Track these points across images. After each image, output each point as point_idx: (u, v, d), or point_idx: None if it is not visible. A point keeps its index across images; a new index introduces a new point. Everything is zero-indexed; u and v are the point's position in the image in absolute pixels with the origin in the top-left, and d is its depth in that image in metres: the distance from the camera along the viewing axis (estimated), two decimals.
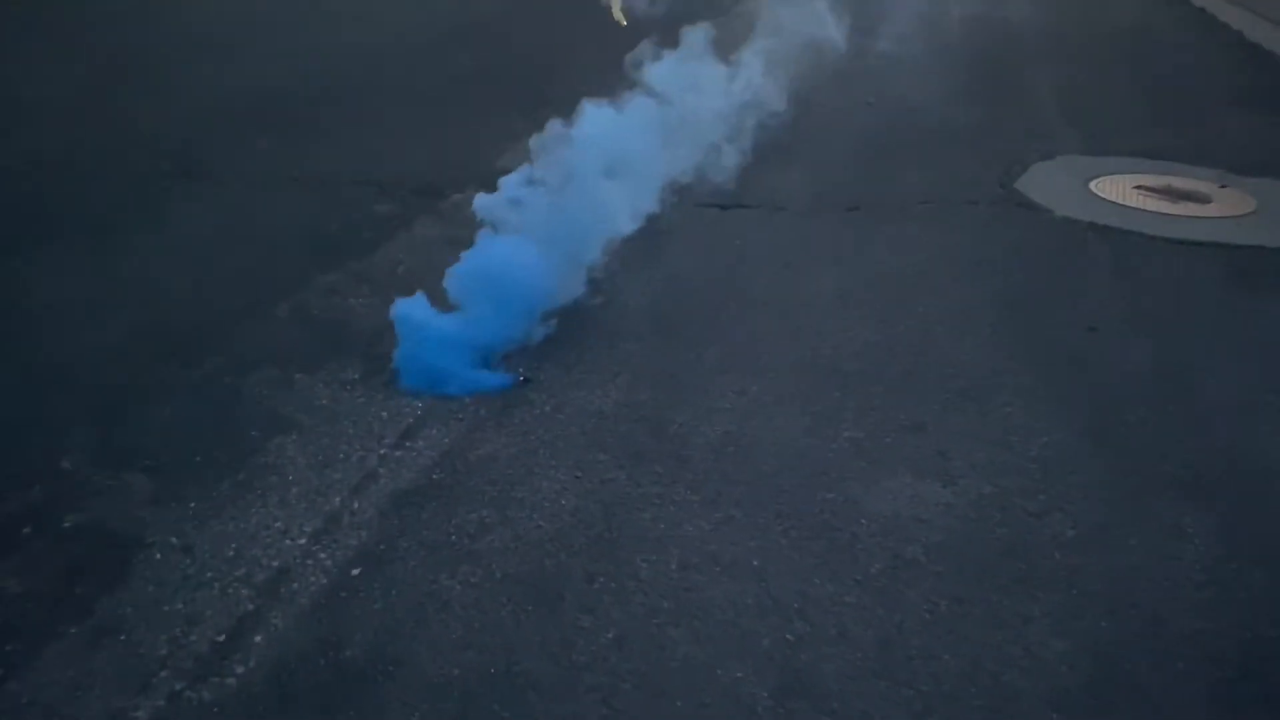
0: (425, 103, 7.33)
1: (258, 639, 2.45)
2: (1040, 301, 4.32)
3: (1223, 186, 5.65)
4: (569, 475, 3.08)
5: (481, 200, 4.21)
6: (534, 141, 4.37)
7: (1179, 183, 5.69)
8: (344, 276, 4.45)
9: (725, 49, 5.20)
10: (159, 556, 2.73)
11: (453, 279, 3.84)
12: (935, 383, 3.65)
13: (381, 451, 3.20)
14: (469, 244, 4.13)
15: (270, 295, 4.27)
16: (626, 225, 4.48)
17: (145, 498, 2.98)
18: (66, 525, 2.86)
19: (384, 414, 3.41)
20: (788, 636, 2.46)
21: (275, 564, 2.70)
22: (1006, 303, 4.30)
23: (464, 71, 8.18)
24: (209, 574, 2.66)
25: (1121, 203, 5.38)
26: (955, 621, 2.53)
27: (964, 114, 6.93)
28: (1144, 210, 5.27)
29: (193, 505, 2.94)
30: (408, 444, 3.24)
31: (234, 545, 2.76)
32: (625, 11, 8.62)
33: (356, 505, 2.94)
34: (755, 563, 2.71)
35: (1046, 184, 5.69)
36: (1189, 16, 10.61)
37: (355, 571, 2.68)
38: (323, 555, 2.73)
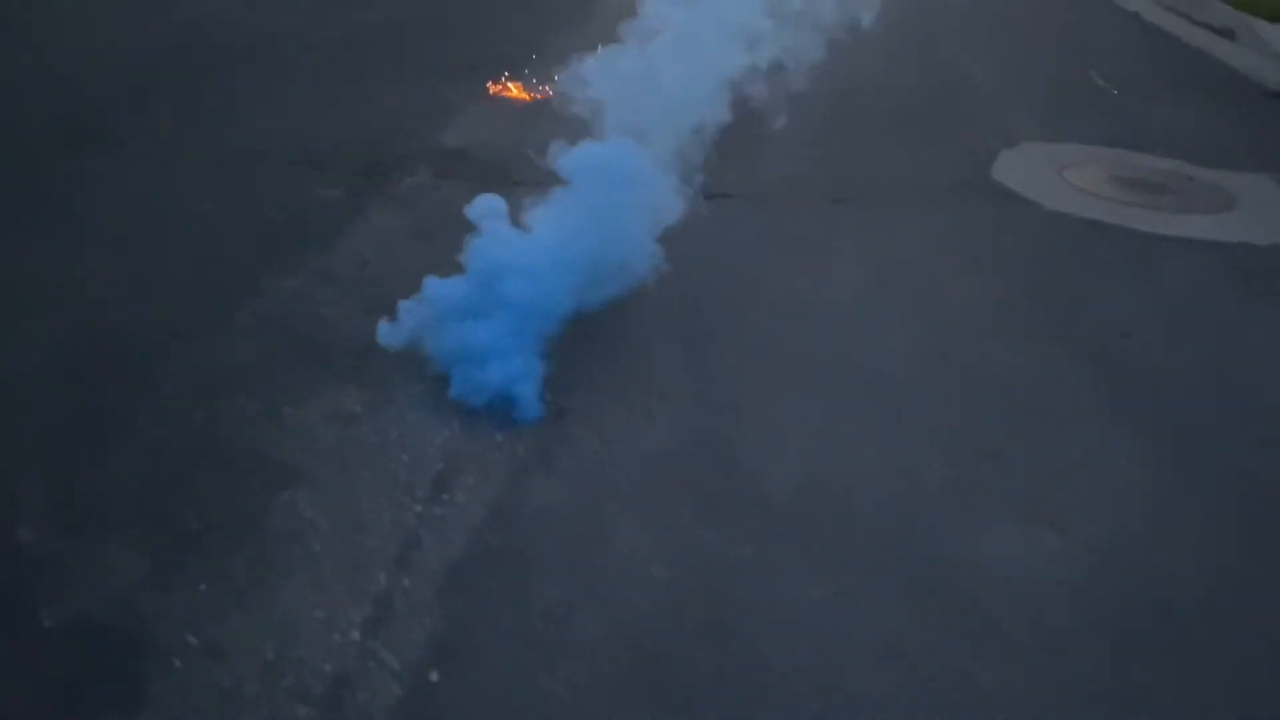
0: (341, 62, 6.61)
1: None
2: (1063, 304, 4.13)
3: (1189, 179, 5.60)
4: (648, 534, 2.66)
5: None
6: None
7: (1147, 174, 5.61)
8: (305, 277, 3.85)
9: None
10: (179, 664, 2.18)
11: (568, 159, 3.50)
12: (993, 398, 3.41)
13: (417, 509, 2.70)
14: (436, 239, 3.71)
15: (221, 299, 3.66)
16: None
17: (138, 578, 2.41)
18: (46, 625, 2.27)
19: (404, 457, 2.90)
20: None
21: (329, 668, 2.20)
22: (1029, 305, 4.09)
23: (375, 21, 7.47)
24: (251, 688, 2.14)
25: (1107, 196, 5.24)
26: (1127, 697, 2.26)
27: (914, 98, 6.69)
28: (1131, 205, 5.15)
29: (202, 588, 2.39)
30: (445, 497, 2.75)
31: (271, 645, 2.24)
32: None
33: (407, 583, 2.45)
34: (893, 644, 2.37)
35: (1020, 173, 5.51)
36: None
37: (434, 676, 2.20)
38: (386, 654, 2.24)
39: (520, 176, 4.95)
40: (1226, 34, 9.99)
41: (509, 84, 6.30)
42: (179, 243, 4.09)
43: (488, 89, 6.22)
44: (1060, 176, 5.48)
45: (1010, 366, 3.60)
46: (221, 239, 4.15)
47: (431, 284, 3.32)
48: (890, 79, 6.95)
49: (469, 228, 3.46)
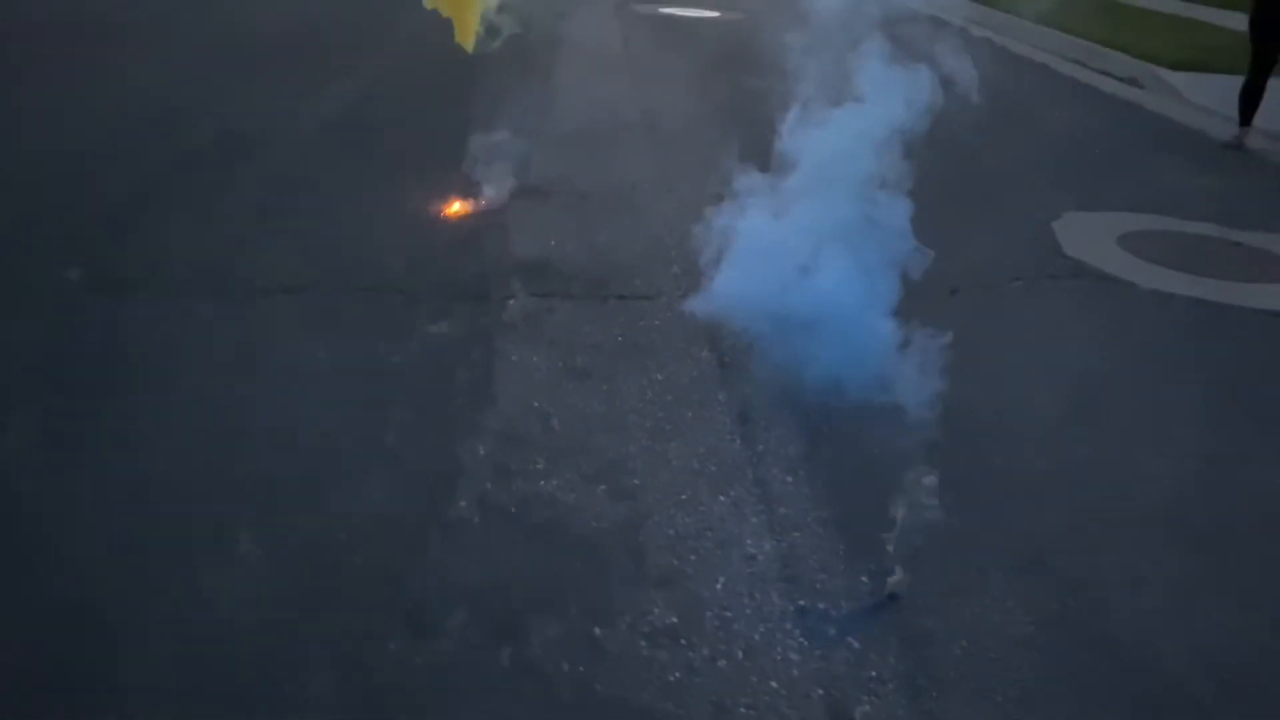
0: (341, 162, 6.05)
1: None
2: (1210, 403, 4.00)
3: (1237, 244, 5.76)
4: None
5: None
6: None
7: (1196, 241, 5.75)
8: (492, 443, 3.34)
9: None
10: None
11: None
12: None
13: None
14: (593, 376, 3.53)
15: (410, 476, 3.13)
16: None
17: None
18: None
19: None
20: None
21: None
22: (1176, 408, 3.92)
23: (350, 101, 6.89)
24: None
25: (1181, 267, 5.30)
26: None
27: (945, 177, 6.63)
28: (1211, 277, 5.22)
29: None
30: None
31: None
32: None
33: None
34: None
35: (1089, 248, 5.52)
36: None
37: None
38: None
39: (625, 289, 4.60)
40: (1132, 82, 10.55)
41: (528, 182, 5.85)
42: (304, 402, 3.51)
43: (513, 184, 5.75)
44: (1125, 249, 5.51)
45: (1183, 497, 3.30)
46: (351, 394, 3.59)
47: None
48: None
49: (617, 356, 3.10)
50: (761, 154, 4.49)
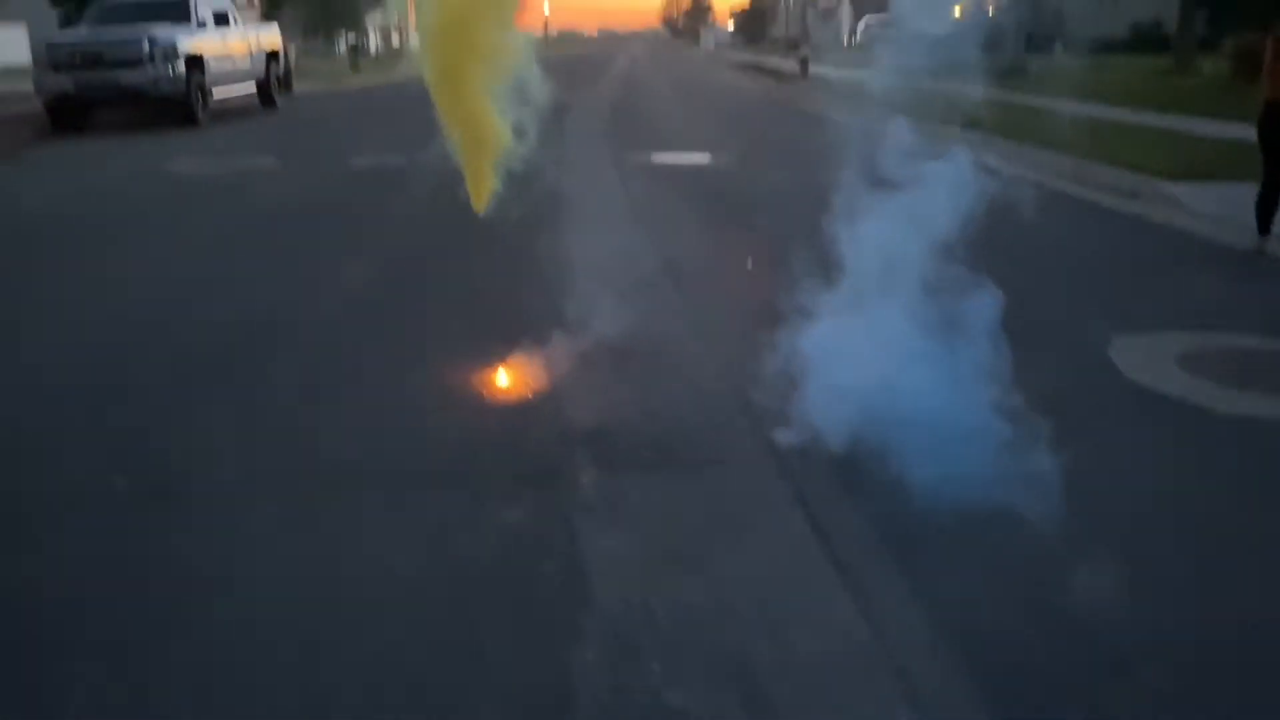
0: (364, 344, 5.89)
1: None
2: None
3: None
4: None
5: None
6: None
7: (1256, 358, 5.61)
8: (600, 649, 3.06)
9: None
10: None
11: None
12: None
13: None
14: (700, 560, 3.30)
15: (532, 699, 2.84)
16: None
17: None
18: None
19: None
20: None
21: None
22: None
23: (368, 279, 6.78)
24: None
25: (1255, 388, 5.13)
26: None
27: None
28: None
29: None
30: None
31: None
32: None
33: None
34: None
35: (1151, 372, 5.37)
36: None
37: None
38: None
39: (695, 454, 4.39)
40: (1131, 196, 10.64)
41: (566, 346, 5.69)
42: (384, 618, 3.22)
43: (550, 349, 5.58)
44: (1187, 371, 5.36)
45: None
46: (433, 604, 3.31)
47: None
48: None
49: (705, 533, 2.88)
50: (795, 294, 4.40)
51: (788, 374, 4.49)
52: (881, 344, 4.29)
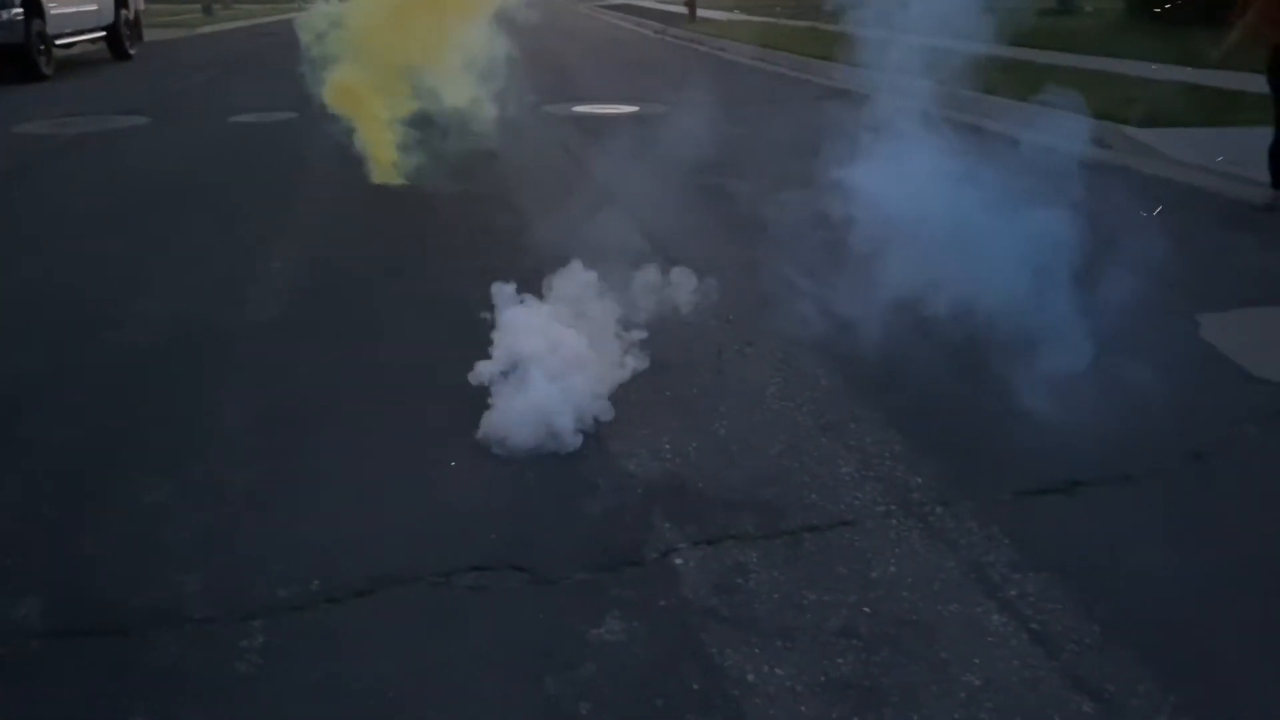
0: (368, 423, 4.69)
1: None
2: None
3: None
4: None
5: None
6: None
7: None
8: None
9: None
10: None
11: None
12: None
13: None
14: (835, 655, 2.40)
15: None
16: None
17: None
18: None
19: None
20: None
21: None
22: None
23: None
24: None
25: None
26: None
27: None
28: None
29: None
30: None
31: None
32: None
33: None
34: None
35: (1258, 354, 4.68)
36: None
37: None
38: None
39: (809, 515, 3.43)
40: (1100, 144, 10.01)
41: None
42: None
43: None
44: None
45: None
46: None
47: None
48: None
49: (866, 630, 2.23)
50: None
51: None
52: None
